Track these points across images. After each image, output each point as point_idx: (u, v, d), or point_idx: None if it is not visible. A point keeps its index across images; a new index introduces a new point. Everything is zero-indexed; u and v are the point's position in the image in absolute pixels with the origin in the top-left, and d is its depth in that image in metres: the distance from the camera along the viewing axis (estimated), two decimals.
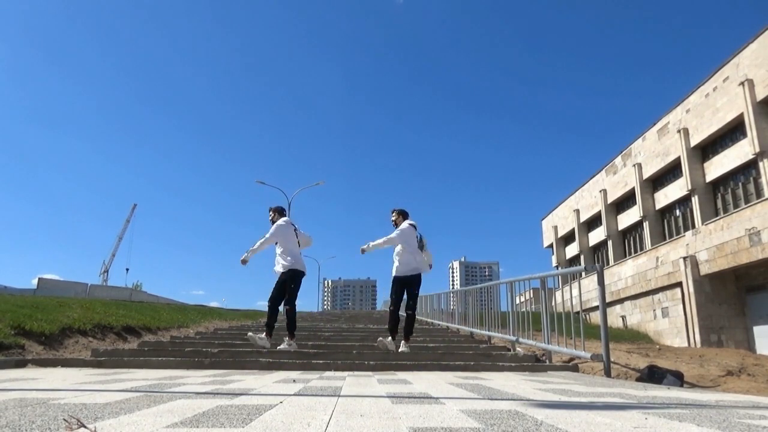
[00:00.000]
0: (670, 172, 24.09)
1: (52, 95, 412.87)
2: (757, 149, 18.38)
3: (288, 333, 6.70)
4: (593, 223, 31.83)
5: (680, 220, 24.06)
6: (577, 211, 33.21)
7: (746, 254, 16.32)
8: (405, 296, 6.99)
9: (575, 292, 6.87)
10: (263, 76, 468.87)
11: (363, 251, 6.79)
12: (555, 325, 6.57)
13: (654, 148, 24.70)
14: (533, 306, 32.39)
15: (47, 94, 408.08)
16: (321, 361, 6.64)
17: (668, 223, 25.18)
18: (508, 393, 3.57)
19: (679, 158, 22.63)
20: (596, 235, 31.30)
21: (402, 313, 7.16)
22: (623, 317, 23.10)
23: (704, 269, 18.21)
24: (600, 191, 29.85)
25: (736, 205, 19.76)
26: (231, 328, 11.87)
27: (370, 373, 5.91)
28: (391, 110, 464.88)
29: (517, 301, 8.17)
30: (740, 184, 20.46)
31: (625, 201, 28.10)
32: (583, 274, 6.98)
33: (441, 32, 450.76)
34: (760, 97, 18.23)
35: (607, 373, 5.67)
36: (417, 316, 15.69)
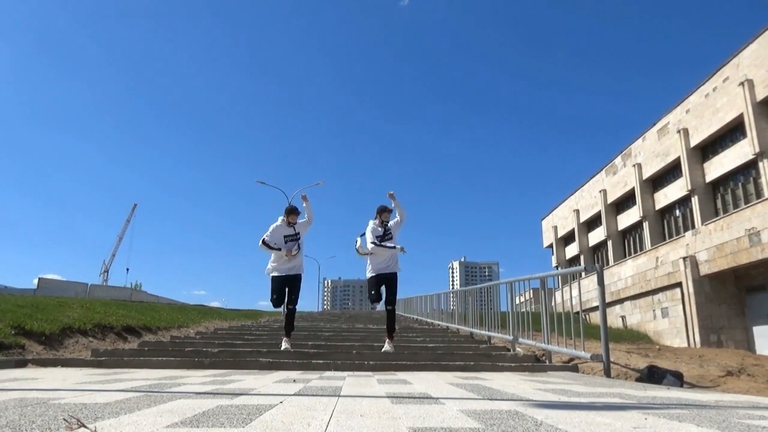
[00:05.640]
0: (670, 172, 24.08)
1: (53, 95, 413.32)
2: (757, 149, 18.37)
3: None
4: (593, 223, 31.82)
5: (680, 220, 24.06)
6: (577, 212, 33.20)
7: (746, 254, 16.33)
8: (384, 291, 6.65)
9: (575, 292, 6.87)
10: (265, 76, 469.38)
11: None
12: (555, 325, 6.57)
13: (654, 148, 24.70)
14: (533, 306, 32.38)
15: (48, 93, 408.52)
16: (321, 361, 6.65)
17: (668, 223, 25.17)
18: (508, 393, 3.57)
19: (679, 158, 22.63)
20: (596, 235, 31.29)
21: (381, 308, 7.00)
22: (623, 317, 23.10)
23: (704, 269, 18.21)
24: (600, 191, 29.85)
25: (735, 206, 19.76)
26: (231, 328, 11.88)
27: (370, 373, 5.91)
28: (391, 110, 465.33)
29: (517, 301, 8.17)
30: (740, 184, 20.45)
31: (625, 201, 28.09)
32: (583, 274, 6.98)
33: (443, 33, 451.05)
34: (760, 97, 18.22)
35: (607, 373, 5.67)
36: (418, 317, 15.76)
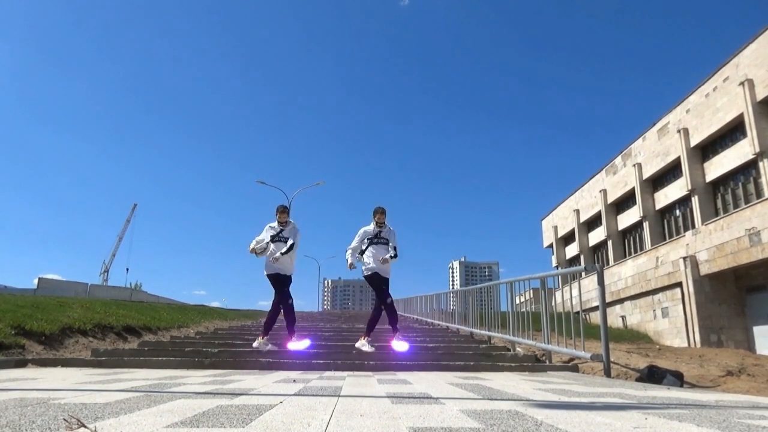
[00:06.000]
0: (670, 172, 24.08)
1: (53, 95, 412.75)
2: (757, 149, 18.37)
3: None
4: (593, 223, 31.82)
5: (680, 220, 24.05)
6: (577, 211, 33.20)
7: (746, 254, 16.32)
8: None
9: (575, 292, 6.87)
10: (265, 77, 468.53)
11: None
12: (555, 325, 6.57)
13: (654, 148, 24.70)
14: (533, 306, 32.38)
15: (48, 93, 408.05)
16: (321, 361, 6.64)
17: (668, 223, 25.17)
18: (508, 393, 3.57)
19: (679, 158, 22.63)
20: (596, 235, 31.29)
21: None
22: (623, 317, 23.10)
23: (704, 269, 18.21)
24: (600, 191, 29.85)
25: (736, 205, 19.75)
26: (231, 328, 11.88)
27: (370, 373, 5.91)
28: (391, 110, 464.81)
29: (517, 301, 8.17)
30: (740, 184, 20.45)
31: (625, 201, 28.08)
32: (583, 274, 6.98)
33: (443, 33, 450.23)
34: (760, 97, 18.22)
35: (607, 373, 5.68)
36: (418, 317, 15.79)
